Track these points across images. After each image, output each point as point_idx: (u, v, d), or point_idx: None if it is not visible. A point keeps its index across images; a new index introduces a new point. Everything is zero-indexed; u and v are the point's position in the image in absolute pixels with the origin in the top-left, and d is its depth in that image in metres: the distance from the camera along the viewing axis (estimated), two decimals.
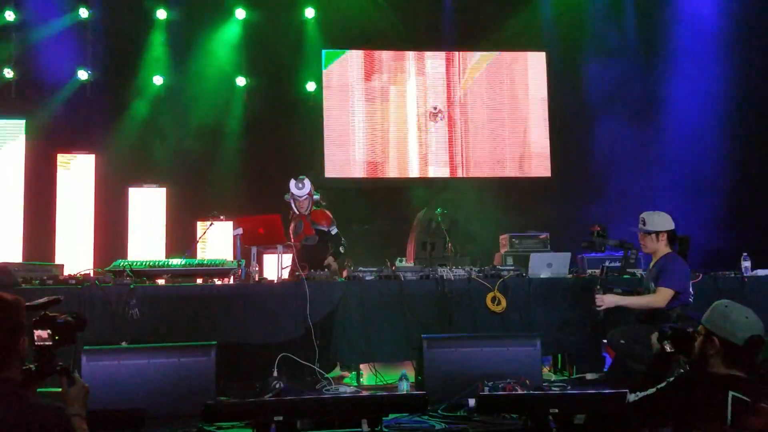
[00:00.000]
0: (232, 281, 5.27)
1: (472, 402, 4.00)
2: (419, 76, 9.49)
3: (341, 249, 6.18)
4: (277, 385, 4.56)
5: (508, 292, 5.34)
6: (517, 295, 5.36)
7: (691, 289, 4.68)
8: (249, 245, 5.60)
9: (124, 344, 4.60)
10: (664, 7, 9.22)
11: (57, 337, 2.28)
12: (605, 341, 4.98)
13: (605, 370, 5.20)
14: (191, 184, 8.56)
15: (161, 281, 5.22)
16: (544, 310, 5.36)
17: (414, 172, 9.35)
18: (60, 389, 2.31)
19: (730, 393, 2.41)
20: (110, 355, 4.35)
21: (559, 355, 5.63)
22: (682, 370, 2.97)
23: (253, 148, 8.84)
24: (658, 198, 7.79)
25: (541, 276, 5.57)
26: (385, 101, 9.39)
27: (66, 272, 5.39)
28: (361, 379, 5.25)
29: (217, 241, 7.88)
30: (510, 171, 9.49)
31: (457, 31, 9.35)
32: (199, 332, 4.77)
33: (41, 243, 8.21)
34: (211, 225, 6.27)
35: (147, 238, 8.42)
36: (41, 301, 2.33)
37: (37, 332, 2.26)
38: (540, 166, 9.51)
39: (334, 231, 6.25)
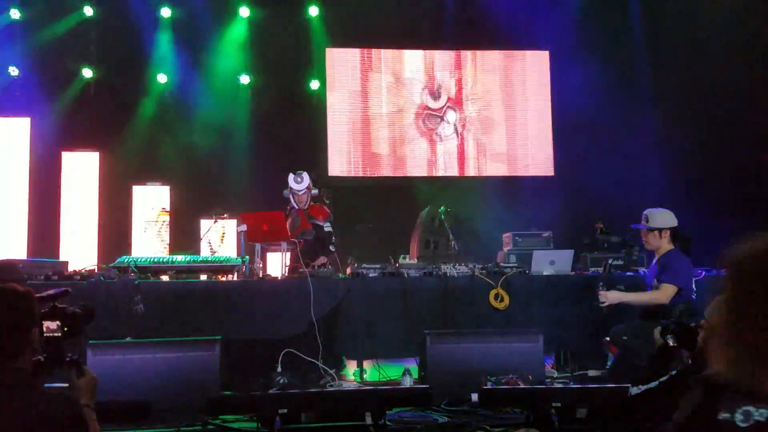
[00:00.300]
0: (236, 277, 5.29)
1: (475, 396, 4.02)
2: (423, 75, 9.50)
3: (331, 247, 6.13)
4: (281, 380, 4.59)
5: (511, 289, 5.36)
6: (520, 292, 5.38)
7: (693, 286, 4.69)
8: (253, 242, 5.63)
9: (129, 339, 4.62)
10: (667, 3, 9.21)
11: (66, 329, 2.30)
12: (608, 338, 4.99)
13: (608, 366, 5.20)
14: (195, 182, 8.59)
15: (165, 277, 5.25)
16: (547, 307, 5.38)
17: (418, 171, 9.37)
18: (65, 384, 2.33)
19: None
20: (116, 349, 4.38)
21: (562, 352, 5.64)
22: (684, 364, 2.98)
23: (256, 146, 8.86)
24: (662, 195, 7.78)
25: (544, 273, 5.58)
26: (388, 99, 9.41)
27: (70, 269, 5.43)
28: (365, 375, 5.27)
29: (219, 237, 7.91)
30: (513, 169, 9.50)
31: (461, 29, 9.36)
32: (204, 328, 4.80)
33: (46, 240, 8.25)
34: (215, 222, 6.29)
35: (150, 235, 8.46)
36: (50, 292, 2.36)
37: (47, 323, 2.28)
38: (543, 164, 9.51)
39: (327, 228, 6.21)
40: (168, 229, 8.49)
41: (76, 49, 8.73)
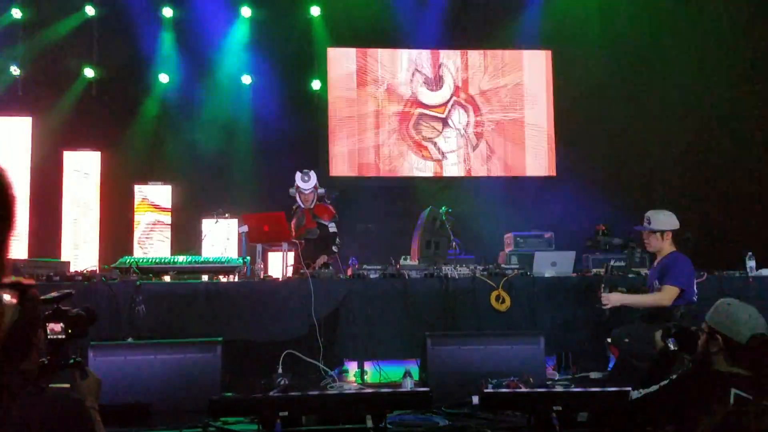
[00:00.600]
0: (237, 278, 5.29)
1: (476, 399, 4.02)
2: (425, 75, 9.50)
3: (334, 248, 6.13)
4: (282, 382, 4.59)
5: (513, 290, 5.35)
6: (522, 294, 5.37)
7: (695, 288, 4.68)
8: (254, 242, 5.63)
9: (130, 340, 4.63)
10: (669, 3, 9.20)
11: (70, 331, 2.30)
12: (609, 340, 4.98)
13: (609, 369, 5.20)
14: (197, 182, 8.59)
15: (167, 278, 5.25)
16: (548, 308, 5.37)
17: (419, 171, 9.37)
18: (66, 385, 2.33)
19: (733, 390, 2.42)
20: (117, 350, 4.38)
21: (563, 354, 5.63)
22: (685, 368, 2.98)
23: (258, 146, 8.87)
24: (664, 196, 7.79)
25: (546, 275, 5.57)
26: (390, 99, 9.40)
27: (72, 269, 5.43)
28: (365, 377, 5.27)
29: (221, 238, 7.91)
30: (514, 170, 9.50)
31: (462, 29, 9.36)
32: (205, 329, 4.80)
33: (47, 240, 8.25)
34: (216, 223, 6.30)
35: (152, 235, 8.46)
36: (54, 294, 2.36)
37: (50, 325, 2.28)
38: (545, 165, 9.51)
39: (332, 228, 6.21)
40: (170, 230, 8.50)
41: (78, 49, 8.73)
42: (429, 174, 9.38)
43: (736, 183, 8.56)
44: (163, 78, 8.91)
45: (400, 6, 9.16)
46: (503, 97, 9.57)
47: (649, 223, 4.79)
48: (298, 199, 6.21)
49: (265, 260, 5.93)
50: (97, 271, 5.28)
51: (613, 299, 4.70)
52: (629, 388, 2.87)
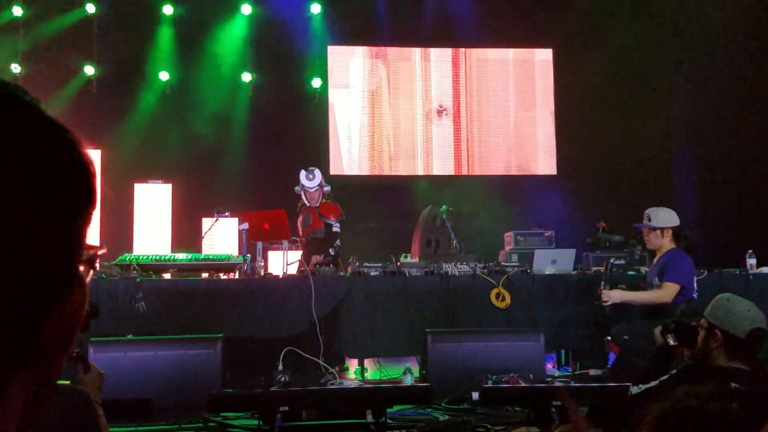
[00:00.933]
0: (237, 276, 5.30)
1: (475, 395, 4.03)
2: (425, 73, 9.50)
3: (331, 250, 6.02)
4: (282, 378, 4.60)
5: (513, 288, 5.36)
6: (522, 292, 5.38)
7: (695, 285, 4.69)
8: (254, 240, 5.64)
9: (130, 336, 4.64)
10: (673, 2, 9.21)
11: None
12: (609, 337, 5.00)
13: (609, 366, 5.21)
14: (197, 179, 8.59)
15: (167, 275, 5.26)
16: (548, 306, 5.38)
17: (419, 170, 9.37)
18: (66, 381, 2.33)
19: (732, 385, 2.42)
20: (117, 346, 4.39)
21: (563, 351, 5.64)
22: (684, 364, 2.98)
23: (258, 144, 8.87)
24: (664, 194, 7.80)
25: (546, 272, 5.58)
26: (390, 98, 9.40)
27: None
28: (366, 374, 5.28)
29: (222, 236, 7.91)
30: (515, 168, 9.50)
31: (464, 26, 9.35)
32: (205, 326, 4.81)
33: None
34: (216, 221, 6.30)
35: (152, 233, 8.46)
36: None
37: None
38: (546, 163, 9.51)
39: (335, 228, 6.17)
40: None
41: (78, 46, 8.73)
42: (429, 172, 9.38)
43: (737, 181, 8.56)
44: (163, 75, 8.91)
45: (400, 4, 9.17)
46: (504, 96, 9.57)
47: (649, 220, 4.80)
48: (303, 197, 6.17)
49: (265, 258, 5.94)
50: (98, 268, 5.27)
51: (613, 296, 4.71)
52: (629, 384, 2.88)
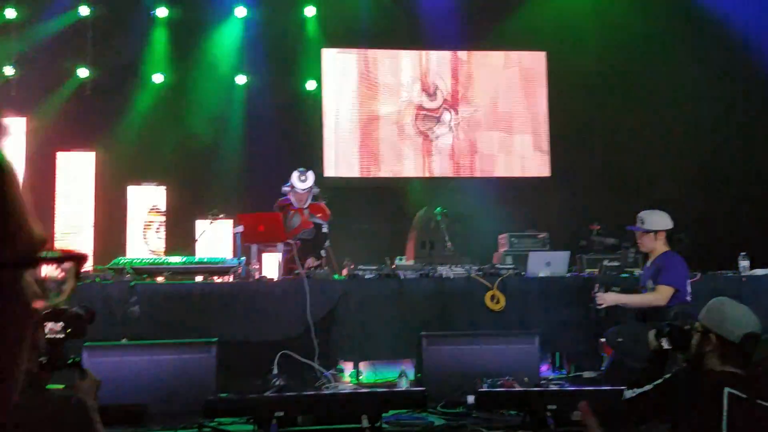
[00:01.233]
0: (232, 279, 5.29)
1: (471, 399, 4.03)
2: (420, 75, 9.51)
3: (322, 252, 6.04)
4: (277, 383, 4.60)
5: (507, 290, 5.37)
6: (516, 294, 5.39)
7: (689, 288, 4.71)
8: (249, 243, 5.62)
9: (124, 341, 4.62)
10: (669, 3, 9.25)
11: (68, 330, 2.30)
12: (603, 340, 5.01)
13: (603, 368, 5.22)
14: (191, 182, 8.57)
15: (161, 279, 5.25)
16: (543, 308, 5.39)
17: (414, 172, 9.37)
18: (61, 386, 2.33)
19: (726, 389, 2.44)
20: (111, 351, 4.38)
21: (558, 354, 5.65)
22: (678, 367, 2.99)
23: (253, 146, 8.85)
24: (657, 196, 7.81)
25: (540, 275, 5.59)
26: (384, 100, 9.40)
27: None
28: (361, 377, 5.27)
29: (217, 239, 7.89)
30: (509, 170, 9.51)
31: (457, 30, 9.36)
32: (200, 329, 4.79)
33: None
34: (210, 224, 6.28)
35: (146, 236, 8.43)
36: None
37: (49, 325, 2.28)
38: (540, 165, 9.52)
39: (324, 228, 6.19)
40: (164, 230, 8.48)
41: (72, 49, 8.69)
42: (424, 174, 9.39)
43: (730, 183, 8.61)
44: (157, 78, 8.89)
45: (394, 7, 9.17)
46: (498, 98, 9.58)
47: (643, 223, 4.82)
48: (291, 198, 6.18)
49: (260, 261, 5.93)
50: (91, 272, 5.26)
51: (608, 299, 4.73)
52: (623, 388, 2.89)
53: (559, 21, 9.25)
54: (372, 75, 9.41)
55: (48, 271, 0.61)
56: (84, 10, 8.68)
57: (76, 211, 8.44)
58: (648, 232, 4.79)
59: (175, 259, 5.41)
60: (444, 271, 5.44)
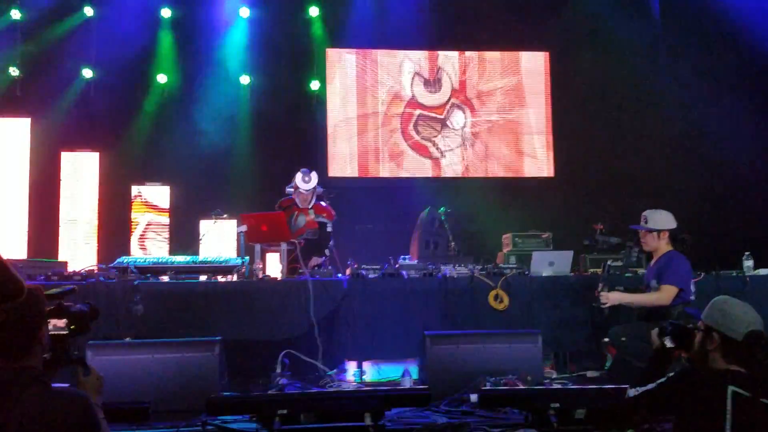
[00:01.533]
0: (235, 278, 5.30)
1: (474, 397, 4.03)
2: (423, 76, 9.51)
3: (327, 251, 6.04)
4: (281, 381, 4.60)
5: (511, 290, 5.37)
6: (520, 293, 5.39)
7: (692, 287, 4.70)
8: (253, 242, 5.63)
9: (128, 339, 4.63)
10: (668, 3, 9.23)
11: (73, 327, 2.31)
12: (606, 339, 5.00)
13: (607, 368, 5.22)
14: (195, 182, 8.59)
15: (165, 278, 5.26)
16: (546, 308, 5.39)
17: (418, 172, 9.38)
18: (65, 384, 2.33)
19: (730, 388, 2.43)
20: (115, 349, 4.38)
21: (561, 353, 5.64)
22: (682, 366, 2.99)
23: (256, 146, 8.87)
24: (661, 196, 7.81)
25: (543, 274, 5.59)
26: (388, 100, 9.41)
27: (69, 269, 5.43)
28: (364, 376, 5.28)
29: (220, 238, 7.91)
30: (513, 171, 9.51)
31: (461, 30, 9.37)
32: (203, 328, 4.80)
33: (45, 240, 8.24)
34: (214, 223, 6.30)
35: (150, 236, 8.46)
36: (57, 291, 2.36)
37: (53, 321, 2.28)
38: (543, 166, 9.52)
39: (329, 228, 6.20)
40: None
41: (77, 50, 8.72)
42: (428, 175, 9.39)
43: (734, 183, 8.59)
44: (162, 78, 8.91)
45: (399, 7, 9.16)
46: (502, 99, 9.58)
47: (646, 222, 4.81)
48: (296, 198, 6.20)
49: (263, 260, 5.94)
50: (95, 271, 5.28)
51: (612, 298, 4.73)
52: (626, 386, 2.89)
53: (563, 21, 9.24)
54: (376, 75, 9.42)
55: None
56: (88, 11, 8.71)
57: (80, 211, 8.47)
58: (652, 231, 4.78)
59: (179, 259, 5.42)
60: (447, 270, 5.43)
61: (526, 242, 6.76)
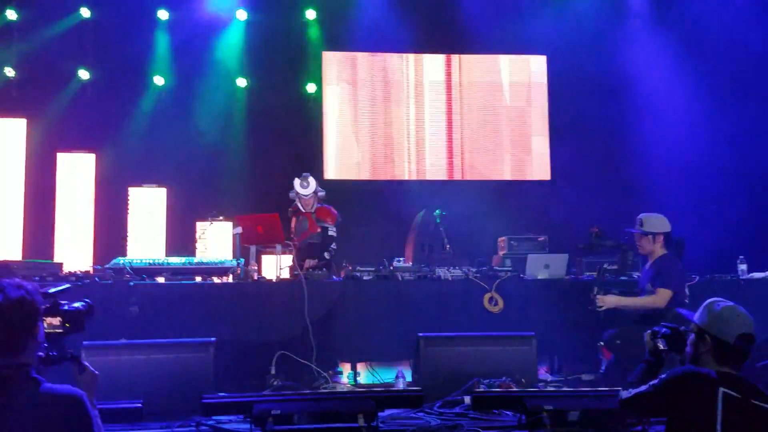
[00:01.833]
0: (231, 280, 5.30)
1: (468, 399, 4.03)
2: (419, 79, 9.53)
3: (326, 254, 6.06)
4: (275, 382, 4.60)
5: (506, 293, 5.38)
6: (514, 296, 5.39)
7: (686, 291, 4.72)
8: (248, 244, 5.64)
9: (123, 340, 4.63)
10: (667, 8, 9.26)
11: (68, 325, 2.31)
12: (601, 342, 5.01)
13: (601, 371, 5.23)
14: (191, 184, 8.58)
15: (161, 279, 5.26)
16: (541, 311, 5.38)
17: (413, 174, 9.39)
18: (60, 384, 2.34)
19: (721, 389, 2.44)
20: (110, 350, 4.38)
21: (556, 356, 5.65)
22: (674, 368, 3.00)
23: (253, 148, 8.86)
24: (656, 200, 7.82)
25: (539, 277, 5.60)
26: (384, 103, 9.42)
27: (65, 270, 5.42)
28: (358, 378, 5.28)
29: (216, 240, 7.91)
30: (509, 174, 9.53)
31: (457, 33, 9.38)
32: (198, 329, 4.80)
33: (41, 241, 8.22)
34: (210, 224, 6.30)
35: (147, 237, 8.45)
36: (53, 289, 2.37)
37: (48, 319, 2.29)
38: (539, 169, 9.54)
39: (331, 232, 6.21)
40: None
41: (73, 51, 8.72)
42: (423, 177, 9.40)
43: (729, 187, 8.61)
44: (158, 80, 8.91)
45: (395, 10, 9.18)
46: (499, 102, 9.59)
47: (642, 225, 4.83)
48: (298, 204, 6.21)
49: (258, 262, 5.94)
50: (91, 272, 5.28)
51: (607, 301, 4.75)
52: (620, 389, 2.90)
53: (561, 25, 9.26)
54: (372, 78, 9.43)
55: None
56: (85, 12, 8.71)
57: (76, 212, 8.45)
58: (647, 234, 4.80)
59: (175, 260, 5.42)
60: (442, 272, 5.44)
61: (521, 245, 6.77)
